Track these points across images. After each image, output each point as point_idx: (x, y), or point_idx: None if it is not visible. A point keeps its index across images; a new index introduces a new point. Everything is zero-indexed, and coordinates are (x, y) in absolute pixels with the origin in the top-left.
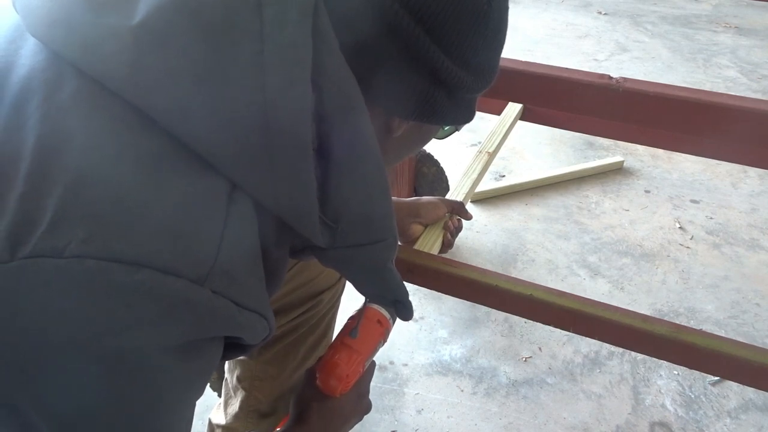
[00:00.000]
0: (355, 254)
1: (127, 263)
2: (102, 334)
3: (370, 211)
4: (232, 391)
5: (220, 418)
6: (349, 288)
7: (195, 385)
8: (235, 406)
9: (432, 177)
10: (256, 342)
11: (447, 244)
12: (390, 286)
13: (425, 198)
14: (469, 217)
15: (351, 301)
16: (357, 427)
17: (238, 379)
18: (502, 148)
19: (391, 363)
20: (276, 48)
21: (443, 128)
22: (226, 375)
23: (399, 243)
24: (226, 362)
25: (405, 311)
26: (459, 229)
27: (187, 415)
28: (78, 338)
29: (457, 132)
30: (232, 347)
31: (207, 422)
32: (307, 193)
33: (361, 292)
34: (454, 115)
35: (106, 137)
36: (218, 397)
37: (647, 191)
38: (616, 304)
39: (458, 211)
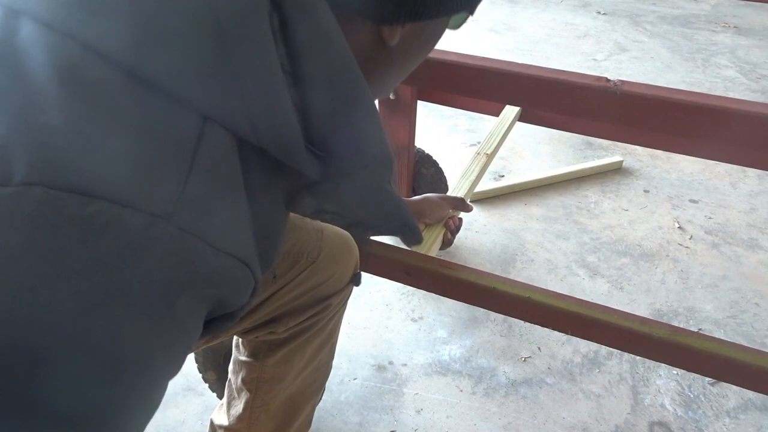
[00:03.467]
0: (352, 183)
1: (79, 193)
2: (53, 276)
3: (357, 131)
4: (236, 392)
5: (222, 419)
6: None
7: (164, 357)
8: (239, 407)
9: (431, 178)
10: (241, 301)
11: (447, 243)
12: (392, 210)
13: (429, 197)
14: (469, 209)
15: (354, 299)
16: (357, 427)
17: (243, 381)
18: (501, 148)
19: (390, 363)
20: None
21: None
22: (230, 376)
23: (400, 245)
24: (231, 363)
25: (411, 235)
26: (459, 227)
27: (152, 396)
28: (26, 279)
29: (471, 18)
30: (216, 314)
31: (208, 423)
32: (282, 108)
33: (367, 229)
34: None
35: (56, 70)
36: (218, 398)
37: (646, 191)
38: (615, 304)
39: (460, 207)
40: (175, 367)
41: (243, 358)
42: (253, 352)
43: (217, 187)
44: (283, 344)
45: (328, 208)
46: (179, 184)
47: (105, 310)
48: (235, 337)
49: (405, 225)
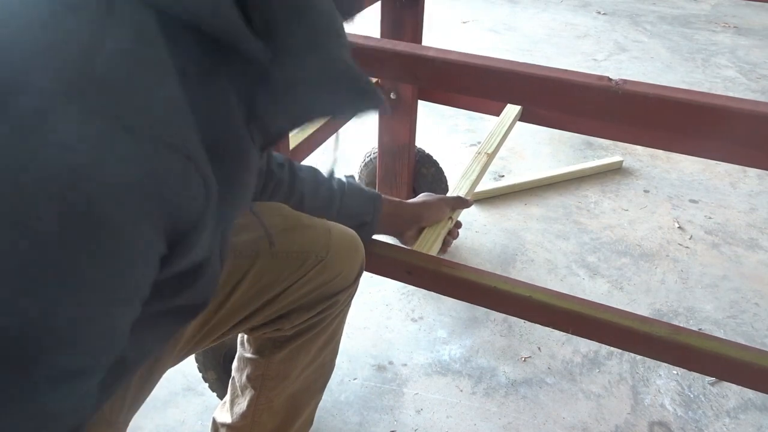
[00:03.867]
0: (306, 68)
1: None
2: None
3: (297, 3)
4: (239, 390)
5: (225, 417)
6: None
7: (102, 273)
8: (242, 405)
9: (431, 178)
10: (190, 209)
11: (447, 244)
12: (349, 83)
13: (428, 201)
14: (469, 204)
15: (354, 299)
16: (357, 427)
17: (248, 378)
18: (502, 148)
19: (390, 363)
20: None
21: None
22: (234, 374)
23: (401, 245)
24: (235, 361)
25: (375, 98)
26: (458, 229)
27: (102, 317)
28: None
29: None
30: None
31: (210, 422)
32: None
33: (329, 113)
34: None
35: None
36: (218, 398)
37: (646, 191)
38: (615, 304)
39: (459, 205)
40: (127, 289)
41: (248, 355)
42: (259, 349)
43: (137, 66)
44: (289, 341)
45: (288, 112)
46: (86, 63)
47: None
48: (240, 335)
49: (363, 92)
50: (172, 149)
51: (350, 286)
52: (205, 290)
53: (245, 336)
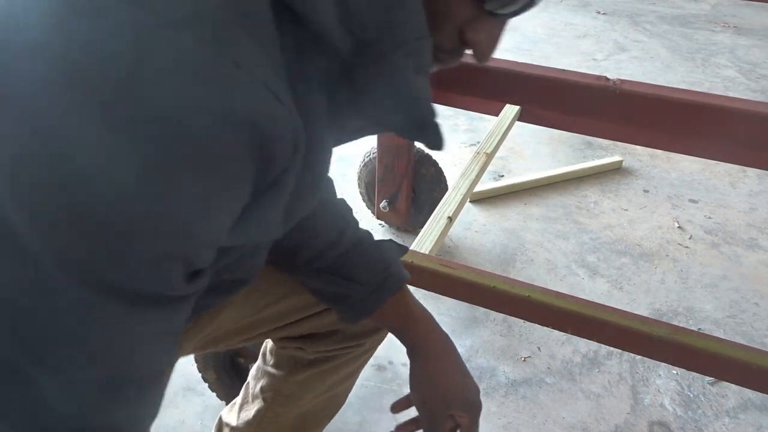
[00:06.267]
0: (381, 69)
1: None
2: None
3: (394, 6)
4: (251, 397)
5: (232, 419)
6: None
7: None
8: (250, 412)
9: (430, 177)
10: (283, 152)
11: None
12: (412, 104)
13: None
14: None
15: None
16: (357, 427)
17: (261, 389)
18: (501, 148)
19: (390, 363)
20: None
21: None
22: (249, 380)
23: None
24: (253, 369)
25: (435, 136)
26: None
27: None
28: None
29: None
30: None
31: (217, 419)
32: None
33: (384, 126)
34: None
35: None
36: (217, 398)
37: (646, 191)
38: (614, 304)
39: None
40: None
41: (268, 368)
42: (279, 365)
43: (247, 20)
44: (309, 366)
45: (362, 109)
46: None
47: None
48: (264, 344)
49: (425, 123)
50: (274, 97)
51: (377, 332)
52: (251, 268)
53: (268, 347)
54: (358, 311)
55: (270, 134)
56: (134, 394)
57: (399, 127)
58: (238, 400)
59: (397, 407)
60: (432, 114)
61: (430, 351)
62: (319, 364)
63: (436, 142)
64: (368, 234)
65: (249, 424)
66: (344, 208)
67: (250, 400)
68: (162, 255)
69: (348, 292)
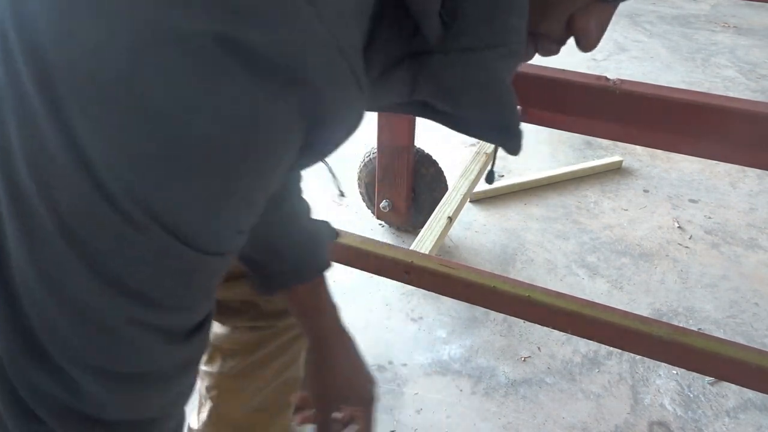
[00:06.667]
0: (468, 62)
1: None
2: None
3: (494, 5)
4: (202, 398)
5: (193, 422)
6: None
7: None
8: (204, 413)
9: (430, 177)
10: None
11: None
12: (502, 107)
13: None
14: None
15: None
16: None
17: (207, 389)
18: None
19: (390, 363)
20: None
21: None
22: (198, 382)
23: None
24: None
25: (515, 140)
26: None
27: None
28: None
29: None
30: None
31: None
32: None
33: (459, 128)
34: None
35: None
36: None
37: (646, 191)
38: (614, 304)
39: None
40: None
41: (204, 367)
42: (210, 361)
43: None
44: (235, 355)
45: (422, 92)
46: None
47: None
48: None
49: (509, 126)
50: (340, 51)
51: (287, 317)
52: None
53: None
54: (270, 284)
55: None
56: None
57: (479, 126)
58: (196, 402)
59: (298, 405)
60: (518, 118)
61: (327, 346)
62: (244, 354)
63: (516, 148)
64: (307, 206)
65: (206, 425)
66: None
67: (203, 401)
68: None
69: (268, 262)
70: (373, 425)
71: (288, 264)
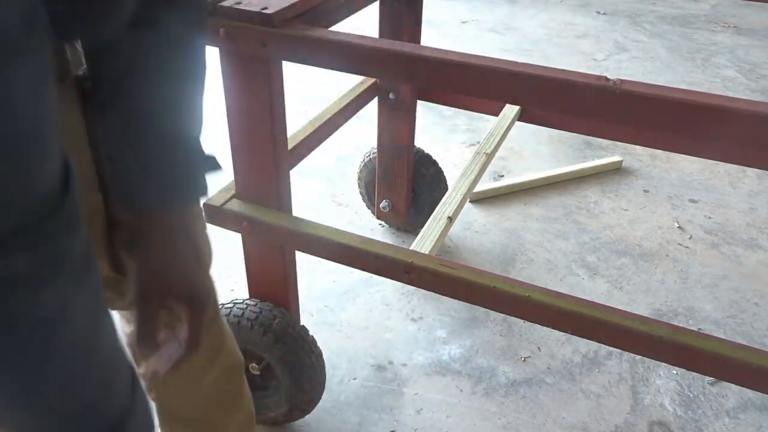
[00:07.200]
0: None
1: None
2: None
3: None
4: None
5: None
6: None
7: None
8: (156, 416)
9: (430, 177)
10: None
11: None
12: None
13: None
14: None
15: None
16: (357, 427)
17: (148, 391)
18: (501, 148)
19: (390, 363)
20: None
21: None
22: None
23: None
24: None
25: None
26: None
27: None
28: None
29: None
30: None
31: None
32: None
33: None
34: None
35: None
36: None
37: (646, 191)
38: (614, 304)
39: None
40: None
41: (139, 369)
42: (137, 362)
43: None
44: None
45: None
46: None
47: None
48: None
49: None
50: None
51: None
52: None
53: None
54: (134, 203)
55: None
56: None
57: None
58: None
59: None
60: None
61: (160, 239)
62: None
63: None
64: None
65: (162, 428)
66: None
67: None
68: None
69: (137, 178)
70: (200, 334)
71: (157, 185)
